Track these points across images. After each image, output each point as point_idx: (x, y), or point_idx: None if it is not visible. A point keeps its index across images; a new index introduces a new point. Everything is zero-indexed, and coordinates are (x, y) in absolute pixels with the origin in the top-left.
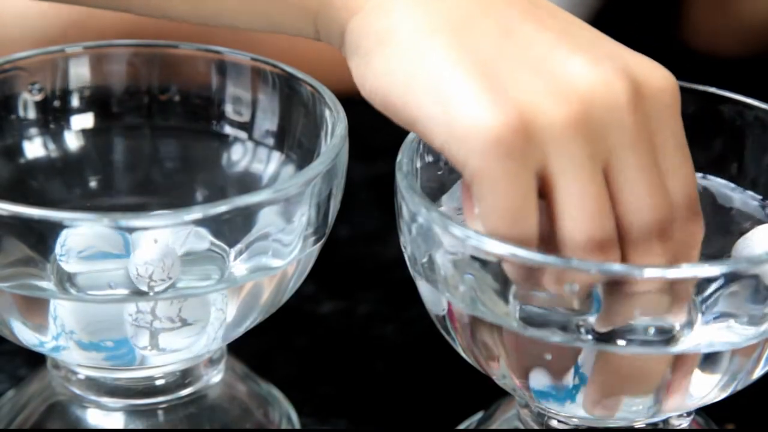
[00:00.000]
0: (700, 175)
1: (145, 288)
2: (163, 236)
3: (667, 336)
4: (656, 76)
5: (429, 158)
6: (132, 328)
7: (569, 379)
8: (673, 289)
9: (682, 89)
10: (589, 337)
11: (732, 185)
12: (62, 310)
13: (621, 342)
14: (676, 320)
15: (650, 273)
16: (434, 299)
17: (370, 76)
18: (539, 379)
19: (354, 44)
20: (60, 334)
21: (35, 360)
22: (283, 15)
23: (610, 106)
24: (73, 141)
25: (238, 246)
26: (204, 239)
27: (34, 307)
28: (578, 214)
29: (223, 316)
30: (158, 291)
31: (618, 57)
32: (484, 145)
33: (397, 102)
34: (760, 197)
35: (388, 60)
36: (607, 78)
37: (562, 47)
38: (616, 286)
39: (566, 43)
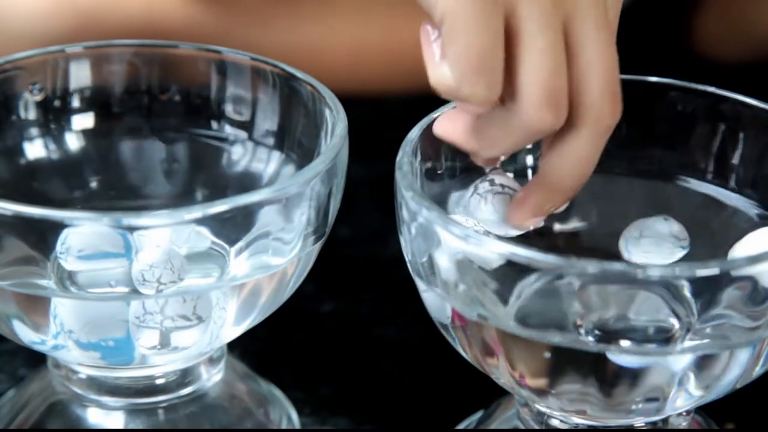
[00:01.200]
0: (698, 176)
1: (152, 292)
2: (164, 237)
3: (666, 335)
4: None
5: (428, 162)
6: (139, 329)
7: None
8: None
9: (681, 89)
10: (589, 337)
11: (730, 186)
12: (62, 308)
13: (621, 342)
14: None
15: (648, 272)
16: (434, 299)
17: None
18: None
19: None
20: (59, 332)
21: (35, 359)
22: None
23: None
24: (73, 141)
25: (239, 245)
26: (204, 238)
27: (35, 306)
28: (535, 67)
29: (224, 315)
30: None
31: None
32: None
33: None
34: (758, 198)
35: None
36: None
37: None
38: None
39: None
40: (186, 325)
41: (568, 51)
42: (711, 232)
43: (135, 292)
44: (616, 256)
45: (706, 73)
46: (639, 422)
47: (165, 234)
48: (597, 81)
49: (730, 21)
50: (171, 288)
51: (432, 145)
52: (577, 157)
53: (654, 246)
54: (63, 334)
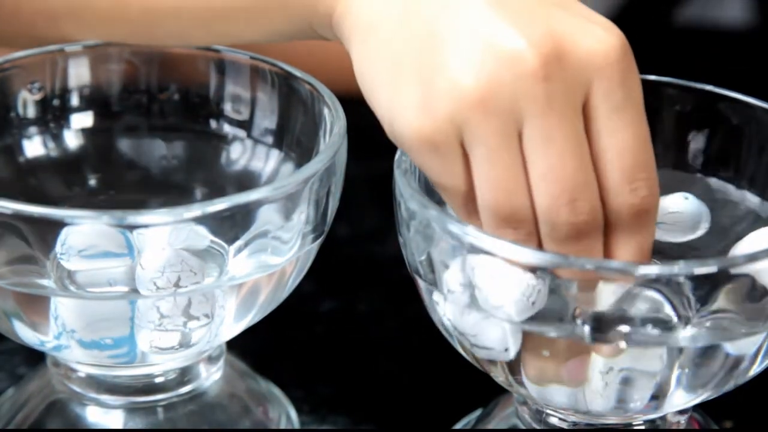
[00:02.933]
0: (698, 175)
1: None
2: (165, 238)
3: (664, 330)
4: (588, 40)
5: None
6: (154, 332)
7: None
8: None
9: (680, 87)
10: (587, 330)
11: (730, 184)
12: (63, 308)
13: (618, 335)
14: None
15: (645, 270)
16: (433, 297)
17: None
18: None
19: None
20: (61, 333)
21: (35, 358)
22: (284, 23)
23: (517, 77)
24: (72, 139)
25: (237, 243)
26: (203, 237)
27: (35, 306)
28: (485, 192)
29: (223, 314)
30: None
31: (545, 23)
32: (415, 146)
33: (365, 95)
34: (758, 196)
35: (357, 58)
36: (517, 48)
37: (490, 18)
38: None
39: (495, 14)
40: (204, 324)
41: (526, 165)
42: (712, 227)
43: (134, 291)
44: None
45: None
46: (637, 420)
47: (164, 233)
48: (546, 190)
49: None
50: (185, 289)
51: None
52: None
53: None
54: (65, 334)
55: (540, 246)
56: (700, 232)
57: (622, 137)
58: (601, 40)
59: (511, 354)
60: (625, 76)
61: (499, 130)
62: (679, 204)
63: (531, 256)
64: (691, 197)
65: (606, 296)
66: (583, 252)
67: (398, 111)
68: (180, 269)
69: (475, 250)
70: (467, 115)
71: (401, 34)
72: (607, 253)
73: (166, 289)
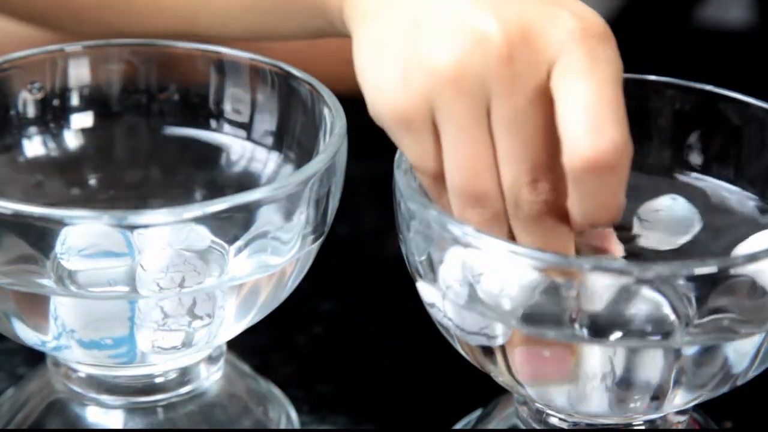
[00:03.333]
0: (698, 175)
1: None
2: (166, 239)
3: (663, 330)
4: (557, 22)
5: None
6: (157, 332)
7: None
8: None
9: (680, 88)
10: (585, 331)
11: (730, 184)
12: (63, 309)
13: (616, 336)
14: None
15: (644, 270)
16: (433, 297)
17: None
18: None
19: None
20: (61, 333)
21: (35, 358)
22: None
23: (485, 58)
24: (72, 139)
25: (238, 244)
26: (203, 237)
27: (35, 306)
28: (453, 171)
29: (223, 314)
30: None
31: (517, 8)
32: (391, 122)
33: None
34: (757, 196)
35: (355, 48)
36: (486, 30)
37: (467, 3)
38: None
39: (473, 1)
40: (207, 323)
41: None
42: (712, 227)
43: (134, 291)
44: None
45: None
46: (638, 420)
47: (164, 233)
48: (510, 169)
49: None
50: (189, 289)
51: None
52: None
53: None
54: (65, 334)
55: (507, 228)
56: (688, 236)
57: (580, 104)
58: (568, 21)
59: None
60: (591, 51)
61: (469, 110)
62: (665, 204)
63: (530, 256)
64: (679, 198)
65: (604, 297)
66: (548, 232)
67: (379, 89)
68: (184, 269)
69: (472, 247)
70: (439, 93)
71: (391, 21)
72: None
73: (170, 289)
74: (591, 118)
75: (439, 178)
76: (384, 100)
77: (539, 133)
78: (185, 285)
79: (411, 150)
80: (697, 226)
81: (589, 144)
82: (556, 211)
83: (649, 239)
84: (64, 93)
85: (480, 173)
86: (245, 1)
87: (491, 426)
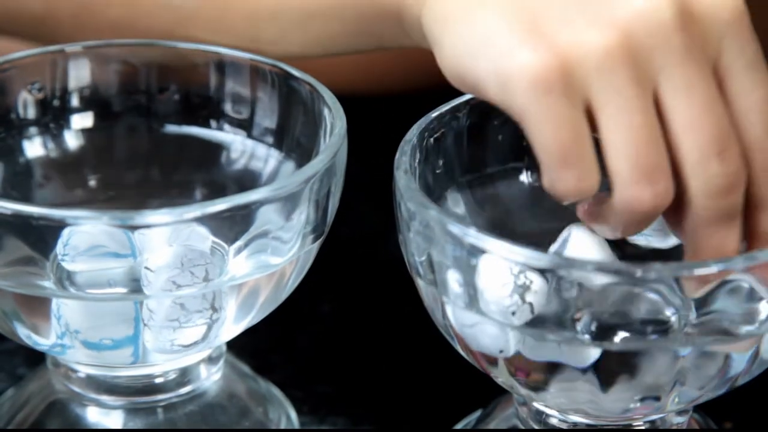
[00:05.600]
0: None
1: (193, 290)
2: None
3: (662, 329)
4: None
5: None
6: (177, 330)
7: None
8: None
9: None
10: (586, 335)
11: None
12: (66, 309)
13: (618, 338)
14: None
15: (645, 271)
16: (433, 297)
17: (443, 61)
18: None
19: (428, 35)
20: (65, 333)
21: (35, 358)
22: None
23: (653, 29)
24: (72, 140)
25: (237, 243)
26: (204, 237)
27: (35, 307)
28: (622, 146)
29: (223, 314)
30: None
31: None
32: (525, 84)
33: (465, 75)
34: None
35: (452, 41)
36: (650, 1)
37: None
38: None
39: None
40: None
41: (664, 120)
42: None
43: (134, 292)
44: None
45: None
46: (637, 421)
47: (165, 234)
48: (695, 141)
49: None
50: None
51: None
52: None
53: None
54: (69, 335)
55: (676, 206)
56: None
57: (759, 96)
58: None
59: (510, 353)
60: (752, 32)
61: (635, 81)
62: None
63: (531, 256)
64: None
65: (606, 298)
66: (730, 208)
67: (510, 58)
68: (203, 262)
69: (475, 251)
70: (599, 64)
71: (494, 8)
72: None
73: (192, 285)
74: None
75: (570, 151)
76: (519, 64)
77: (718, 102)
78: (210, 278)
79: (545, 120)
80: None
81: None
82: (740, 184)
83: (647, 238)
84: (64, 93)
85: (654, 145)
86: (312, 10)
87: (491, 426)
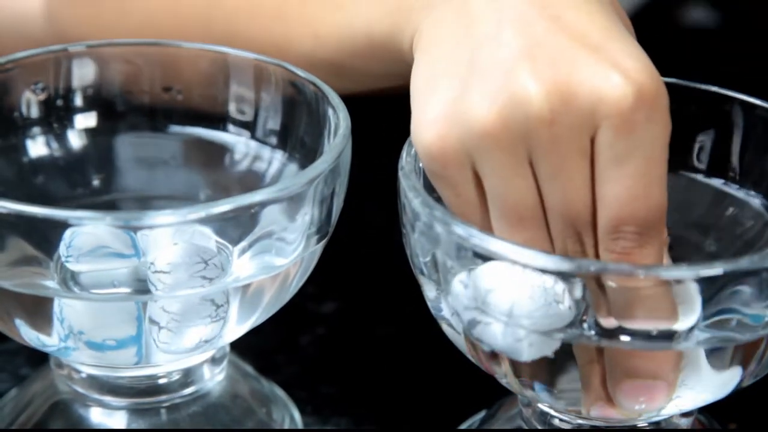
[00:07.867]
0: (700, 175)
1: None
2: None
3: (669, 332)
4: (604, 85)
5: None
6: (199, 326)
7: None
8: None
9: (683, 88)
10: (593, 332)
11: (733, 185)
12: (70, 310)
13: (624, 338)
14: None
15: (648, 272)
16: (437, 298)
17: None
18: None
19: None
20: (69, 335)
21: (38, 359)
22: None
23: (526, 117)
24: (76, 140)
25: (242, 244)
26: (208, 237)
27: (39, 308)
28: (498, 214)
29: (227, 315)
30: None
31: (566, 67)
32: (426, 161)
33: None
34: (764, 198)
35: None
36: (529, 90)
37: (519, 56)
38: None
39: (524, 53)
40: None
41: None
42: (717, 226)
43: (138, 292)
44: None
45: None
46: (642, 422)
47: (169, 234)
48: (555, 219)
49: None
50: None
51: None
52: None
53: None
54: (73, 336)
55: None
56: None
57: (615, 189)
58: (617, 86)
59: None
60: (634, 127)
61: (510, 161)
62: None
63: (539, 259)
64: None
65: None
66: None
67: (421, 124)
68: (209, 259)
69: (480, 253)
70: (477, 144)
71: (450, 54)
72: None
73: (197, 286)
74: (619, 217)
75: (471, 216)
76: (423, 137)
77: (579, 191)
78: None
79: (444, 191)
80: None
81: (614, 242)
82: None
83: None
84: (67, 93)
85: (525, 220)
86: (329, 34)
87: (495, 427)
